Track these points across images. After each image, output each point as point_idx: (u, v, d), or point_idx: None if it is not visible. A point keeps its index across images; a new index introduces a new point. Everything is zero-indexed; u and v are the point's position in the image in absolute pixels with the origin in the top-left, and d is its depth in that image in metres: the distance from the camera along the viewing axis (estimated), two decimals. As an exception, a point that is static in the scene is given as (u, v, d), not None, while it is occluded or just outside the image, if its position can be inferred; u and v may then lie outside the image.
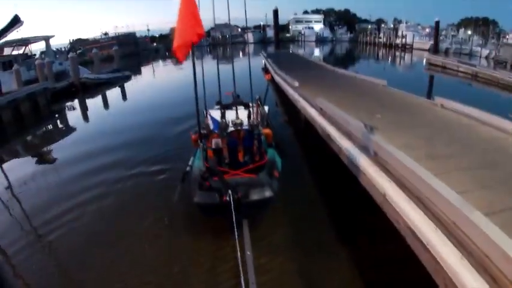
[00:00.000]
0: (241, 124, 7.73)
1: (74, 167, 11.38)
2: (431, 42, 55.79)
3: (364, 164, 6.00)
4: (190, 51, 6.53)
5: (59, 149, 14.40)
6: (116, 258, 6.59)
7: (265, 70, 25.59)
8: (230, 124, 7.87)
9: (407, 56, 52.97)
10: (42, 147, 15.36)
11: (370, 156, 6.18)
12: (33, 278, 6.18)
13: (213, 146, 7.03)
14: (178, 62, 9.09)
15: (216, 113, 9.09)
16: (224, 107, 8.75)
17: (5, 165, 13.13)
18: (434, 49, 51.68)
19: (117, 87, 30.04)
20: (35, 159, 13.74)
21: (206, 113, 9.22)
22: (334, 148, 7.86)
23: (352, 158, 6.50)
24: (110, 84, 30.87)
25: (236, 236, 5.44)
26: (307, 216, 7.33)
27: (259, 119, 8.70)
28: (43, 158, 13.68)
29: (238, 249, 5.12)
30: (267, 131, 8.10)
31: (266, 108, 10.55)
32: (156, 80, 38.97)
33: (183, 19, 6.28)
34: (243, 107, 9.10)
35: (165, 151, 11.65)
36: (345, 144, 7.09)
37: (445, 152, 6.34)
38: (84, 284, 6.04)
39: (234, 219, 5.49)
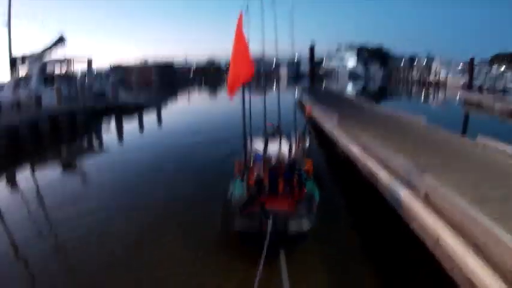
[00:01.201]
0: (283, 157, 7.86)
1: (108, 188, 11.74)
2: (465, 78, 55.02)
3: (415, 205, 5.90)
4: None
5: (90, 165, 14.85)
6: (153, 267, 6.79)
7: (301, 104, 25.74)
8: (272, 156, 7.99)
9: (440, 93, 52.31)
10: (74, 163, 15.81)
11: (421, 198, 6.07)
12: None
13: (255, 176, 7.23)
14: (229, 98, 9.30)
15: (258, 144, 9.25)
16: (267, 138, 8.89)
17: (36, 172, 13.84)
18: (469, 86, 50.92)
19: (153, 112, 30.84)
20: (66, 170, 14.22)
21: (250, 144, 9.37)
22: (378, 187, 7.77)
23: (400, 199, 6.42)
24: (146, 108, 31.81)
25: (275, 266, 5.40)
26: (346, 251, 7.14)
27: (300, 152, 8.75)
28: (72, 170, 14.14)
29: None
30: (307, 164, 8.15)
31: (307, 141, 10.57)
32: (190, 108, 39.79)
33: (237, 58, 6.63)
34: (284, 140, 9.23)
35: (201, 177, 11.78)
36: (391, 184, 7.01)
37: (496, 196, 6.18)
38: None
39: (269, 248, 5.51)
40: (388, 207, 7.09)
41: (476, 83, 52.94)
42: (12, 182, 13.28)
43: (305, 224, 6.20)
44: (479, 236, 4.57)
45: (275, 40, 9.79)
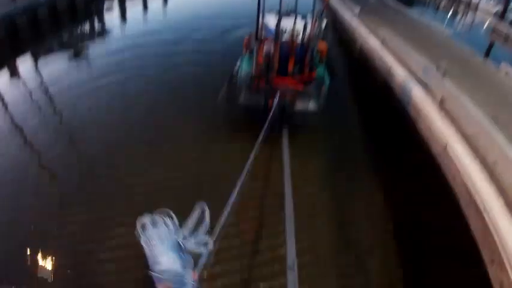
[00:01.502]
0: (296, 35, 7.16)
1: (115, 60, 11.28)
2: (500, 7, 51.47)
3: (429, 108, 5.45)
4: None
5: (93, 47, 14.05)
6: (151, 149, 6.69)
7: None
8: (285, 32, 7.27)
9: (470, 15, 49.32)
10: (78, 46, 14.88)
11: (437, 100, 5.60)
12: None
13: (265, 52, 6.60)
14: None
15: (271, 19, 8.44)
16: (281, 14, 8.06)
17: (39, 61, 13.13)
18: (501, 15, 47.72)
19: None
20: (68, 54, 13.47)
21: (263, 18, 8.55)
22: (392, 84, 7.22)
23: (414, 98, 5.94)
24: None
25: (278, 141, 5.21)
26: (349, 140, 6.99)
27: (315, 32, 8.01)
28: (76, 54, 13.39)
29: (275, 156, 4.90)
30: (322, 46, 7.46)
31: (324, 22, 9.65)
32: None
33: None
34: (300, 17, 8.38)
35: (210, 50, 11.20)
36: (407, 82, 6.45)
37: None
38: (118, 167, 6.32)
39: (273, 123, 5.26)
40: (399, 108, 6.67)
41: (509, 15, 49.40)
42: (14, 72, 12.51)
43: (311, 105, 5.92)
44: (490, 153, 4.21)
45: None
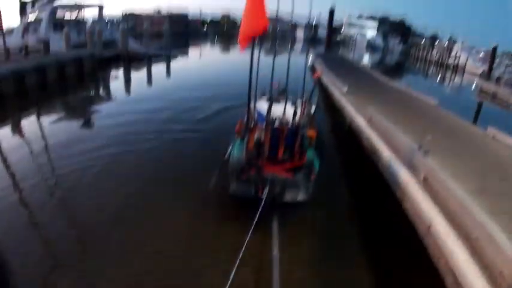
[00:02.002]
0: (286, 121, 7.58)
1: (111, 130, 11.72)
2: (484, 67, 53.58)
3: (412, 187, 5.71)
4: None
5: (96, 114, 14.73)
6: (139, 226, 6.77)
7: (313, 69, 25.18)
8: (276, 119, 7.70)
9: (457, 78, 51.05)
10: (80, 110, 15.72)
11: (420, 180, 5.88)
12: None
13: (255, 139, 6.99)
14: (240, 49, 8.93)
15: (262, 105, 8.95)
16: (272, 101, 8.57)
17: (43, 119, 13.80)
18: (487, 75, 49.55)
19: (162, 63, 30.35)
20: (71, 119, 14.17)
21: (253, 105, 9.09)
22: (378, 163, 7.57)
23: (398, 178, 6.22)
24: (155, 59, 31.29)
25: (266, 232, 5.33)
26: (338, 224, 7.04)
27: (304, 118, 8.47)
28: (79, 120, 14.04)
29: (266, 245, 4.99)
30: (311, 132, 7.83)
31: (313, 107, 10.24)
32: (201, 62, 39.13)
33: (251, 9, 6.18)
34: (290, 104, 8.91)
35: (202, 134, 11.63)
36: (392, 161, 6.78)
37: (497, 189, 5.97)
38: (104, 242, 6.31)
39: (263, 215, 5.43)
40: (386, 185, 6.92)
41: (495, 73, 51.38)
42: (17, 127, 13.28)
43: (302, 194, 6.10)
44: (472, 230, 4.39)
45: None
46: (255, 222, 5.35)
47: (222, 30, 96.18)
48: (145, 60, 30.18)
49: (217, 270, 5.44)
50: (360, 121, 9.72)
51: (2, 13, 20.07)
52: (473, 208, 4.54)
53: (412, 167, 6.31)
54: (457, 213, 4.80)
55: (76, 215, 7.43)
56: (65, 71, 21.53)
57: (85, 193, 8.08)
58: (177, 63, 33.69)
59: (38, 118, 14.54)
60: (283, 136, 7.35)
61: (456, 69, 58.85)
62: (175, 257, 6.15)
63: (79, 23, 33.07)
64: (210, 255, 6.05)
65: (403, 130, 7.93)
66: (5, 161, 10.00)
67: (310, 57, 31.43)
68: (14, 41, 25.18)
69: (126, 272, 5.75)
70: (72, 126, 13.21)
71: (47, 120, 14.25)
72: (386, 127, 8.16)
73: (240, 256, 4.51)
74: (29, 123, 13.88)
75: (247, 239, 5.05)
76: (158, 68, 28.97)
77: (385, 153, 7.31)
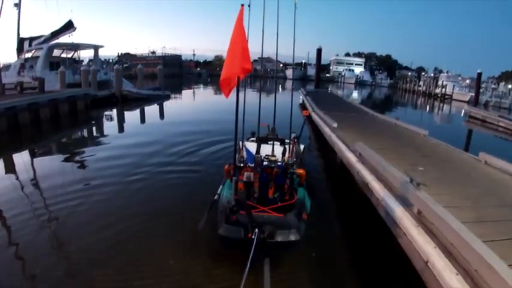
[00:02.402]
0: (275, 161, 7.52)
1: (101, 166, 11.74)
2: (471, 94, 54.81)
3: (406, 223, 5.52)
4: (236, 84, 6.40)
5: (87, 152, 14.75)
6: (127, 264, 6.61)
7: (304, 107, 25.48)
8: (265, 159, 7.64)
9: (445, 107, 51.95)
10: (72, 148, 15.79)
11: (414, 214, 5.72)
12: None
13: (245, 179, 6.84)
14: (224, 96, 9.07)
15: (251, 145, 8.96)
16: (260, 141, 8.55)
17: (34, 156, 13.90)
18: (475, 101, 50.57)
19: (156, 105, 30.69)
20: (63, 157, 14.20)
21: (242, 145, 9.07)
22: (371, 199, 7.43)
23: (393, 214, 6.04)
24: (149, 100, 31.80)
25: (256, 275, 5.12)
26: (333, 265, 6.81)
27: (293, 157, 8.42)
28: (71, 158, 14.03)
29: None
30: (300, 171, 7.79)
31: (302, 147, 10.29)
32: (194, 104, 39.59)
33: (233, 51, 6.15)
34: (278, 143, 8.92)
35: (194, 175, 11.54)
36: (385, 197, 6.62)
37: (494, 216, 5.84)
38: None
39: (254, 257, 5.19)
40: (380, 220, 6.76)
41: (483, 98, 52.58)
42: (9, 166, 13.27)
43: (293, 234, 5.89)
44: (471, 261, 4.21)
45: (277, 41, 9.51)
46: (248, 267, 5.13)
47: (215, 71, 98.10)
48: (139, 100, 30.55)
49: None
50: (350, 156, 9.65)
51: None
52: (470, 239, 4.36)
53: (405, 201, 6.16)
54: (454, 245, 4.63)
55: (65, 250, 7.26)
56: (58, 109, 21.81)
57: (73, 230, 7.94)
58: (170, 103, 34.17)
59: (30, 154, 14.58)
60: (273, 176, 7.26)
61: (444, 98, 60.17)
62: None
63: (75, 62, 33.78)
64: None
65: (394, 163, 7.84)
66: None
67: (301, 95, 31.92)
68: (9, 77, 25.62)
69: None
70: (63, 163, 13.18)
71: (38, 156, 14.31)
72: (377, 161, 8.07)
73: None
74: (20, 159, 13.86)
75: (242, 285, 4.82)
76: (152, 108, 29.30)
77: (377, 188, 7.17)
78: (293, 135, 9.61)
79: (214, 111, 28.35)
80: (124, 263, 6.83)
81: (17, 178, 11.60)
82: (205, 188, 9.26)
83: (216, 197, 7.25)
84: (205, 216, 6.85)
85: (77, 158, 14.13)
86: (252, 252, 5.28)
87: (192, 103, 39.35)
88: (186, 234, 7.61)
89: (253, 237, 5.50)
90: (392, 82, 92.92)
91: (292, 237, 5.86)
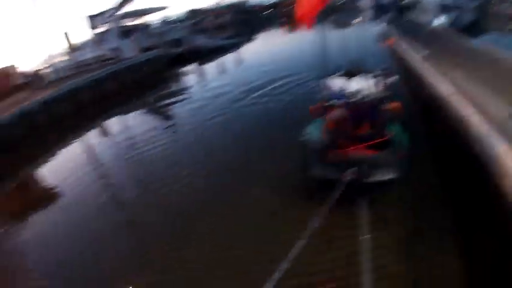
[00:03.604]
0: (367, 96, 7.09)
1: (189, 118, 12.28)
2: None
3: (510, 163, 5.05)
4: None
5: (171, 107, 15.40)
6: (218, 202, 7.38)
7: (385, 37, 23.82)
8: (355, 94, 7.26)
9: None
10: (157, 105, 16.61)
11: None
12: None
13: (335, 117, 6.65)
14: (307, 28, 8.59)
15: (338, 80, 8.54)
16: (348, 75, 8.10)
17: (123, 119, 14.83)
18: None
19: (231, 53, 30.71)
20: (150, 114, 15.02)
21: (328, 81, 8.70)
22: (467, 135, 6.84)
23: (494, 152, 5.55)
24: (223, 50, 31.89)
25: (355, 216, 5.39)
26: (427, 206, 6.56)
27: (385, 91, 7.88)
28: (157, 114, 14.81)
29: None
30: (395, 104, 7.27)
31: (393, 78, 9.50)
32: (268, 46, 38.79)
33: None
34: (368, 76, 8.37)
35: (279, 114, 11.55)
36: (485, 132, 6.06)
37: None
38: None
39: (347, 198, 5.23)
40: (479, 163, 6.24)
41: None
42: (103, 129, 14.50)
43: (389, 174, 5.67)
44: None
45: None
46: (336, 204, 5.16)
47: (283, 12, 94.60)
48: (213, 52, 30.87)
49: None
50: (442, 89, 8.92)
51: (69, 33, 22.12)
52: None
53: (510, 138, 5.61)
54: None
55: (165, 194, 8.35)
56: (138, 73, 23.02)
57: (174, 168, 9.34)
58: (244, 50, 33.94)
59: (120, 117, 15.67)
60: (365, 112, 6.91)
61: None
62: (254, 234, 6.21)
63: (146, 27, 34.82)
64: (291, 236, 6.02)
65: (494, 97, 7.09)
66: (95, 154, 11.01)
67: (380, 25, 29.92)
68: (88, 53, 27.29)
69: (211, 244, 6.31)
70: (151, 120, 14.03)
71: (127, 117, 15.33)
72: (475, 93, 7.37)
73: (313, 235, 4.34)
74: (111, 122, 15.02)
75: (328, 221, 4.89)
76: (227, 57, 29.42)
77: (476, 122, 6.58)
78: (380, 66, 9.06)
79: (288, 51, 27.71)
80: (212, 199, 7.22)
81: (111, 138, 12.68)
82: (292, 127, 9.22)
83: (305, 136, 7.16)
84: (297, 157, 6.85)
85: (163, 112, 14.89)
86: (344, 193, 5.24)
87: (266, 46, 38.62)
88: (274, 173, 7.73)
89: (349, 176, 5.41)
90: (479, 5, 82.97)
91: (389, 176, 5.68)
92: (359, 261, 5.18)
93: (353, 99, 7.14)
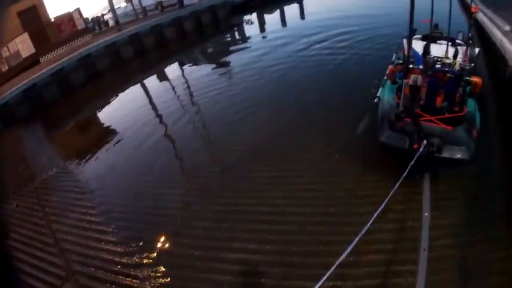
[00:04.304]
0: (449, 65, 6.61)
1: (250, 68, 12.18)
2: None
3: None
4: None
5: (233, 55, 15.27)
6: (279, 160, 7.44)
7: (466, 3, 21.90)
8: (435, 61, 6.77)
9: None
10: (218, 53, 16.54)
11: None
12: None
13: (411, 83, 6.25)
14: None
15: (416, 43, 7.95)
16: (428, 39, 7.52)
17: (185, 68, 15.01)
18: None
19: (296, 3, 29.55)
20: (209, 63, 15.04)
21: (408, 44, 8.16)
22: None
23: None
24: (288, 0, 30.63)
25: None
26: (497, 189, 6.22)
27: (467, 62, 7.27)
28: (217, 62, 14.79)
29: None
30: (476, 79, 6.75)
31: (476, 50, 8.75)
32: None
33: None
34: (449, 43, 7.74)
35: (347, 71, 11.21)
36: None
37: None
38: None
39: (414, 170, 5.06)
40: None
41: None
42: (162, 75, 14.73)
43: (462, 152, 5.41)
44: None
45: None
46: (403, 176, 5.00)
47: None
48: (278, 0, 29.89)
49: (356, 219, 5.31)
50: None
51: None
52: None
53: None
54: None
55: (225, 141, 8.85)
56: (200, 20, 22.82)
57: (227, 120, 9.64)
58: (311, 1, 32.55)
59: (179, 64, 15.85)
60: (444, 82, 6.47)
61: None
62: (313, 198, 6.21)
63: None
64: (350, 204, 5.96)
65: None
66: (155, 101, 11.36)
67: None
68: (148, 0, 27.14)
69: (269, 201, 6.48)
70: (211, 68, 14.02)
71: (187, 64, 15.49)
72: None
73: (382, 208, 4.26)
74: (171, 69, 15.25)
75: (392, 192, 4.76)
76: (292, 7, 28.46)
77: None
78: (461, 34, 8.38)
79: (358, 5, 26.26)
80: (277, 157, 7.22)
81: (170, 84, 12.90)
82: (361, 88, 8.94)
83: (376, 100, 6.91)
84: (365, 120, 6.63)
85: (223, 60, 14.81)
86: (413, 163, 5.07)
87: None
88: (339, 135, 7.61)
89: (420, 148, 5.22)
90: None
91: (461, 155, 5.45)
92: (416, 237, 5.06)
93: (432, 67, 6.66)
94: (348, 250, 3.70)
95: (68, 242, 7.59)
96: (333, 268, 3.37)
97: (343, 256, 3.52)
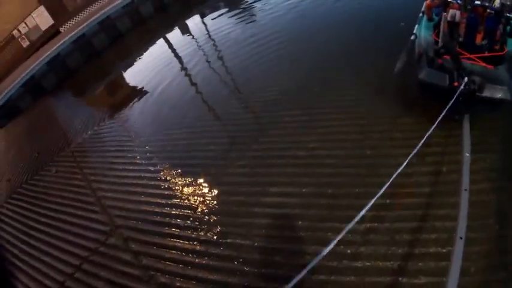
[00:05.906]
0: (489, 0, 6.21)
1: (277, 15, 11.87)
2: None
3: None
4: None
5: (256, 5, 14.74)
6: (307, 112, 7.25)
7: None
8: None
9: None
10: (237, 5, 15.89)
11: None
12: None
13: (449, 18, 5.98)
14: None
15: None
16: None
17: (206, 19, 14.66)
18: None
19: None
20: (231, 14, 14.57)
21: None
22: None
23: None
24: None
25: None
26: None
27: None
28: (241, 10, 14.31)
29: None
30: None
31: None
32: None
33: None
34: None
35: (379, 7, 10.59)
36: None
37: None
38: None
39: (452, 110, 4.93)
40: None
41: None
42: (184, 28, 14.43)
43: (504, 92, 5.19)
44: None
45: None
46: (442, 115, 4.88)
47: None
48: None
49: (393, 161, 5.27)
50: None
51: None
52: None
53: None
54: None
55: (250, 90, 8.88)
56: None
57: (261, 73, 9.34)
58: None
59: (201, 16, 15.46)
60: (484, 18, 6.11)
61: None
62: (348, 141, 6.20)
63: None
64: (386, 146, 5.91)
65: None
66: (180, 55, 11.35)
67: None
68: None
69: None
70: (234, 16, 13.66)
71: (208, 16, 15.10)
72: None
73: (417, 149, 4.16)
74: (193, 22, 14.92)
75: (429, 132, 4.66)
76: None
77: None
78: None
79: None
80: (309, 100, 7.14)
81: (193, 37, 12.67)
82: (395, 24, 8.48)
83: (412, 37, 6.63)
84: (403, 58, 6.38)
85: (247, 5, 14.26)
86: (452, 101, 4.94)
87: None
88: (375, 75, 7.41)
89: (461, 86, 5.06)
90: None
91: (502, 95, 5.22)
92: (455, 180, 4.99)
93: (471, 2, 6.28)
94: (381, 192, 3.71)
95: (108, 199, 7.94)
96: (366, 209, 3.39)
97: (377, 196, 3.53)
